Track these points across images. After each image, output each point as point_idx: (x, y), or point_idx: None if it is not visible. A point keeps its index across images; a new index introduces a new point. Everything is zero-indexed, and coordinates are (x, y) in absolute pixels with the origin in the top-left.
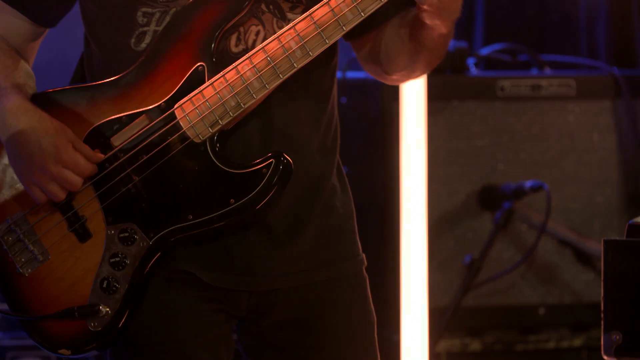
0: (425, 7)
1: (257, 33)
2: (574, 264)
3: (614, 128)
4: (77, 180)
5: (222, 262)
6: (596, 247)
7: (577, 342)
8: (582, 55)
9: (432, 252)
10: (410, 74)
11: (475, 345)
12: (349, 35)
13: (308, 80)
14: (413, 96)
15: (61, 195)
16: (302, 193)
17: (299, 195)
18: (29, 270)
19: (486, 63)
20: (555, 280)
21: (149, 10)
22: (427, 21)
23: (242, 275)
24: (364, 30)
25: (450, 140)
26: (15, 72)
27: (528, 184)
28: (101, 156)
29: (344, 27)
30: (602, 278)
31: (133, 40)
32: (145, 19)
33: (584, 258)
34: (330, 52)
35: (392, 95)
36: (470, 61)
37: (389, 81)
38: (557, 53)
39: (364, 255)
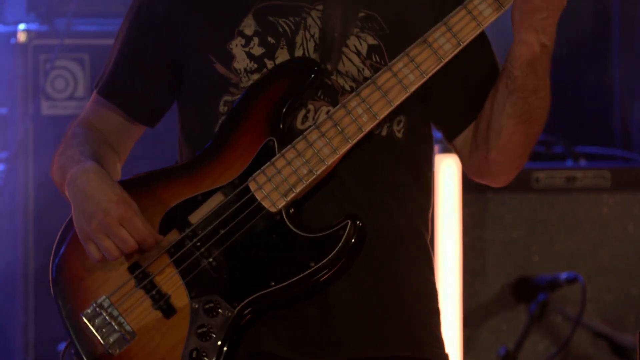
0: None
1: (328, 112)
2: (609, 356)
3: None
4: (132, 240)
5: (305, 341)
6: (631, 339)
7: None
8: (617, 147)
9: (467, 343)
10: (508, 146)
11: None
12: (453, 134)
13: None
14: (448, 188)
15: (115, 253)
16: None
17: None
18: (117, 350)
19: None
20: None
21: (230, 98)
22: (517, 24)
23: (324, 354)
24: (466, 123)
25: (485, 231)
26: (100, 158)
27: (563, 275)
28: (160, 237)
29: (407, 89)
30: None
31: (215, 129)
32: (226, 107)
33: (619, 350)
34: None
35: None
36: None
37: (494, 172)
38: (592, 145)
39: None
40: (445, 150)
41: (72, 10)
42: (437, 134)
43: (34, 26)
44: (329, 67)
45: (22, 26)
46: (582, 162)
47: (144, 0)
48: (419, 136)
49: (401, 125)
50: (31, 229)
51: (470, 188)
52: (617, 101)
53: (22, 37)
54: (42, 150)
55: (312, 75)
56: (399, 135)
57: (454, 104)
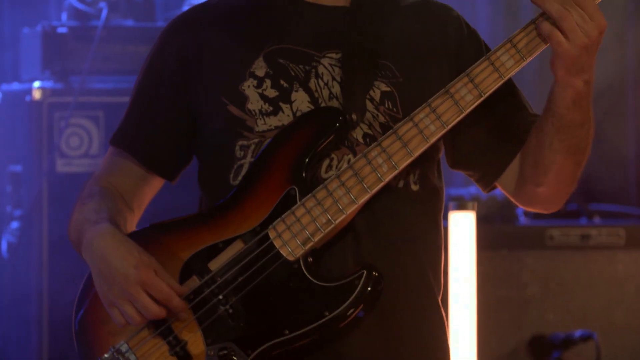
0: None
1: (349, 162)
2: None
3: None
4: (154, 307)
5: None
6: None
7: None
8: (631, 204)
9: None
10: (557, 178)
11: None
12: (492, 179)
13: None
14: (463, 245)
15: (138, 319)
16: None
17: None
18: None
19: (535, 212)
20: None
21: (245, 142)
22: (559, 71)
23: None
24: (506, 163)
25: (500, 289)
26: (117, 216)
27: (577, 333)
28: (185, 289)
29: (427, 140)
30: None
31: (232, 175)
32: (242, 152)
33: None
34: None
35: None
36: (520, 210)
37: (545, 201)
38: (606, 202)
39: None
40: (459, 207)
41: (87, 67)
42: (449, 190)
43: (49, 84)
44: (354, 117)
45: (37, 84)
46: (597, 220)
47: (157, 51)
48: (433, 188)
49: (417, 176)
50: (45, 286)
51: (485, 246)
52: (631, 159)
53: (37, 94)
54: (56, 208)
55: (338, 126)
56: (415, 187)
57: (488, 151)
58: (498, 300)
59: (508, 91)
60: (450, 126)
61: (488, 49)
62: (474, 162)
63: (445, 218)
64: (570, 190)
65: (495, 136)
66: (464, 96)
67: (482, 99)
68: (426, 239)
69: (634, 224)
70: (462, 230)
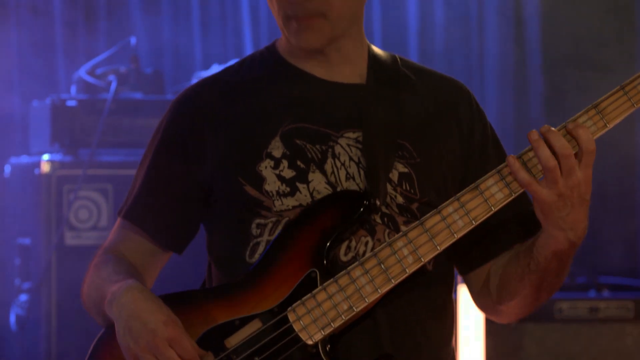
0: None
1: (366, 244)
2: None
3: None
4: None
5: None
6: None
7: None
8: None
9: None
10: (519, 305)
11: None
12: (467, 268)
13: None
14: (472, 318)
15: None
16: None
17: None
18: None
19: None
20: None
21: (263, 221)
22: (545, 225)
23: None
24: (484, 260)
25: None
26: (136, 275)
27: None
28: (208, 354)
29: (455, 235)
30: None
31: (247, 252)
32: (258, 230)
33: None
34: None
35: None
36: None
37: (499, 315)
38: (615, 275)
39: None
40: None
41: (96, 140)
42: None
43: (58, 156)
44: (378, 202)
45: (46, 157)
46: (605, 293)
47: (170, 125)
48: (445, 266)
49: (432, 258)
50: (54, 358)
51: None
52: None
53: (45, 167)
54: (65, 281)
55: (362, 211)
56: (429, 267)
57: (473, 242)
58: None
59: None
60: (478, 223)
61: (492, 131)
62: (456, 248)
63: (455, 291)
64: (526, 314)
65: (484, 232)
66: (495, 194)
67: (511, 197)
68: (439, 319)
69: None
70: (470, 303)
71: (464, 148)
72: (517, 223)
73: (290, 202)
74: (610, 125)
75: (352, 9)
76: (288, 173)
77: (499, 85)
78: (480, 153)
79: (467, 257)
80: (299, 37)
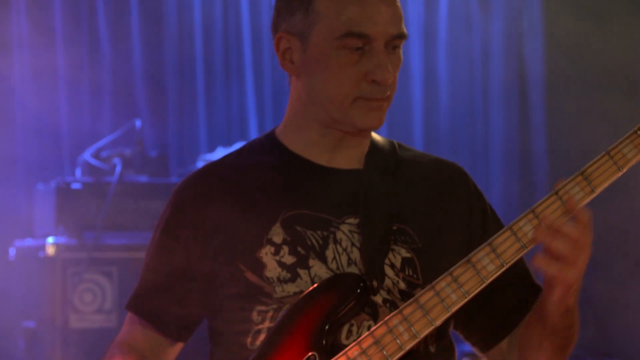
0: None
1: (369, 327)
2: None
3: None
4: None
5: None
6: None
7: None
8: None
9: None
10: None
11: None
12: (488, 346)
13: None
14: None
15: None
16: None
17: None
18: None
19: None
20: None
21: (264, 308)
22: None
23: None
24: (504, 334)
25: None
26: None
27: None
28: None
29: (449, 309)
30: None
31: (249, 339)
32: (260, 317)
33: None
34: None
35: None
36: None
37: None
38: (620, 358)
39: None
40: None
41: (101, 223)
42: (463, 346)
43: (62, 239)
44: (375, 284)
45: (50, 239)
46: None
47: (171, 217)
48: (447, 346)
49: (433, 338)
50: None
51: None
52: None
53: (50, 250)
54: None
55: (359, 292)
56: (432, 348)
57: (490, 319)
58: None
59: (518, 265)
60: (471, 296)
61: (490, 208)
62: (473, 328)
63: None
64: None
65: (500, 307)
66: (486, 266)
67: (503, 268)
68: None
69: None
70: None
71: (464, 230)
72: (521, 286)
73: (291, 288)
74: (597, 191)
75: None
76: (289, 259)
77: (504, 169)
78: (481, 233)
79: (486, 334)
80: (367, 117)
